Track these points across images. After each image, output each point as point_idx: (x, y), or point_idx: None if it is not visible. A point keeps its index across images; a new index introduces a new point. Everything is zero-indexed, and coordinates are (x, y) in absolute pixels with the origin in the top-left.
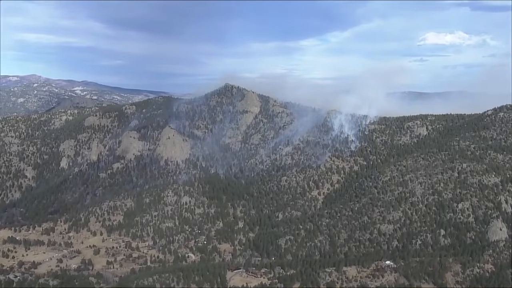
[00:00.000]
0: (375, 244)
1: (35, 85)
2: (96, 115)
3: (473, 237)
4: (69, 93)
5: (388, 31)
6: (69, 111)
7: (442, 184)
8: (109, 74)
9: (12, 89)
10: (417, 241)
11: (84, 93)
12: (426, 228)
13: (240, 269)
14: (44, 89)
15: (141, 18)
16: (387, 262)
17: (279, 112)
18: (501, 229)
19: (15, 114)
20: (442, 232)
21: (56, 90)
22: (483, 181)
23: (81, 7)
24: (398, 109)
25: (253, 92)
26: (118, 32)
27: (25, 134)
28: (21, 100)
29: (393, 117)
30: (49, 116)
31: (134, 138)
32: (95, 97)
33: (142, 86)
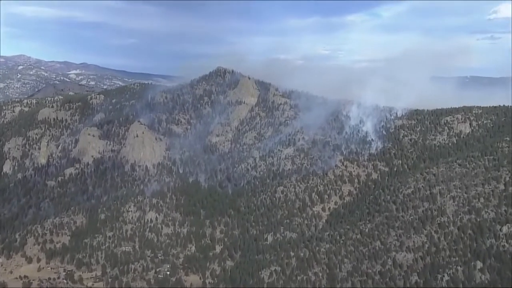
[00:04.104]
0: (387, 279)
1: (21, 67)
2: (52, 107)
3: None
4: (61, 78)
5: (453, 2)
6: (25, 101)
7: (482, 200)
8: (118, 55)
9: None
10: (444, 276)
11: (80, 77)
12: (457, 258)
13: None
14: (31, 73)
15: None
16: None
17: (280, 104)
18: None
19: None
20: (479, 264)
21: (45, 74)
22: None
23: None
24: (445, 98)
25: (249, 78)
26: (132, 6)
27: None
28: (1, 85)
29: (427, 110)
30: None
31: (94, 136)
32: (92, 83)
33: (153, 70)
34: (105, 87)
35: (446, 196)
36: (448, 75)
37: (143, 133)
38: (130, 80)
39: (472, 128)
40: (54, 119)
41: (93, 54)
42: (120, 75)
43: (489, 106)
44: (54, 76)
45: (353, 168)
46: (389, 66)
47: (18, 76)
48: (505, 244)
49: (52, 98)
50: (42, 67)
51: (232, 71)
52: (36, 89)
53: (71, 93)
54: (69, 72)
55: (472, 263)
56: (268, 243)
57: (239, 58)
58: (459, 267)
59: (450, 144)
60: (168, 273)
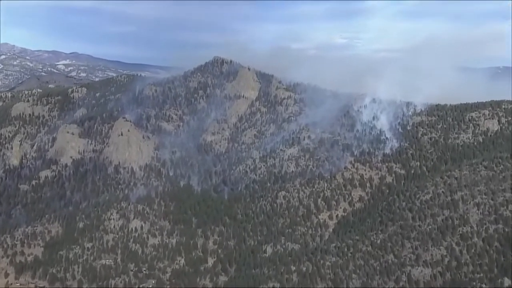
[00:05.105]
0: None
1: (3, 57)
2: (28, 101)
3: None
4: (48, 69)
5: None
6: None
7: (511, 207)
8: (113, 44)
9: None
10: None
11: (69, 68)
12: (482, 274)
13: None
14: (15, 63)
15: None
16: None
17: (284, 98)
18: None
19: None
20: (507, 281)
21: (30, 65)
22: None
23: None
24: (472, 92)
25: (249, 69)
26: None
27: None
28: None
29: (450, 105)
30: None
31: (73, 134)
32: (83, 74)
33: (152, 60)
34: (97, 79)
35: (470, 203)
36: (477, 65)
37: (128, 130)
38: (125, 71)
39: (501, 125)
40: (29, 115)
41: (85, 43)
42: (115, 66)
43: None
44: (41, 67)
45: (364, 170)
46: (410, 55)
47: (0, 67)
48: None
49: (30, 91)
50: (27, 57)
51: (230, 61)
52: (20, 81)
53: (51, 85)
54: (57, 63)
55: (499, 280)
56: (267, 255)
57: (242, 47)
58: (484, 285)
59: (475, 143)
60: None
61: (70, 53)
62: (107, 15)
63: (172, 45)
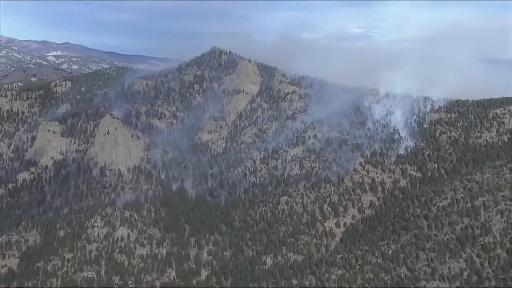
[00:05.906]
0: None
1: None
2: (6, 96)
3: None
4: (38, 60)
5: None
6: None
7: None
8: (109, 33)
9: None
10: None
11: (60, 60)
12: None
13: None
14: (0, 54)
15: None
16: None
17: (287, 93)
18: None
19: None
20: None
21: (18, 56)
22: None
23: None
24: (497, 86)
25: (249, 61)
26: None
27: None
28: None
29: (471, 100)
30: None
31: (54, 132)
32: (75, 67)
33: (151, 51)
34: (90, 72)
35: (492, 210)
36: (504, 56)
37: (116, 129)
38: (121, 63)
39: None
40: (7, 111)
41: (78, 32)
42: (110, 57)
43: None
44: (29, 59)
45: (376, 173)
46: (430, 46)
47: None
48: None
49: (10, 85)
50: (14, 48)
51: (229, 52)
52: (4, 74)
53: (33, 79)
54: (47, 54)
55: None
56: (266, 267)
57: (247, 36)
58: None
59: (499, 143)
60: None
61: (62, 44)
62: (102, 2)
63: (172, 35)
